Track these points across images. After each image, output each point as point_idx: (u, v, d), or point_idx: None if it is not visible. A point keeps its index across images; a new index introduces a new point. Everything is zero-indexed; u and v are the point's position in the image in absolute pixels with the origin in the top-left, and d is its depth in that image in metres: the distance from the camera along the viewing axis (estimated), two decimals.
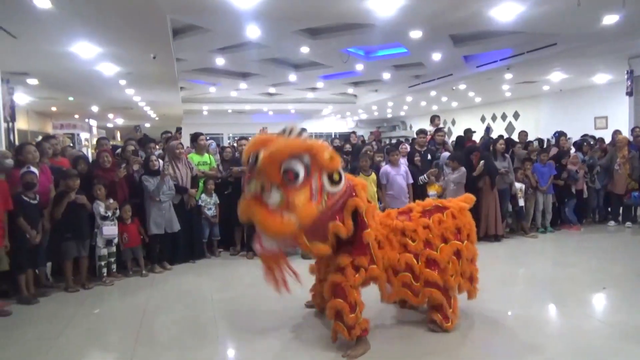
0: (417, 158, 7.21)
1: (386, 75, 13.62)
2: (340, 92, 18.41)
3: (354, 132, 10.20)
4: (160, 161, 5.84)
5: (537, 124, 16.23)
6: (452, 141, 9.15)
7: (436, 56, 10.84)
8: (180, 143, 6.44)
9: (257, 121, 21.36)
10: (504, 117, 18.52)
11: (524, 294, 4.71)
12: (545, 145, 9.13)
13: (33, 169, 4.68)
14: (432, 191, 6.83)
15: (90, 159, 6.75)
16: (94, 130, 20.57)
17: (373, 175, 6.27)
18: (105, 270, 5.22)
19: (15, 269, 4.43)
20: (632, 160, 7.80)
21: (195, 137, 6.94)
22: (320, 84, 15.55)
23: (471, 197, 3.99)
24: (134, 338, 3.66)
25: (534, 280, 5.17)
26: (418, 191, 6.74)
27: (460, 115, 21.04)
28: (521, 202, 7.30)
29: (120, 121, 21.98)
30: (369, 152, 6.90)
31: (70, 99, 13.99)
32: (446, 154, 7.38)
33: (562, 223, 7.94)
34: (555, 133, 9.32)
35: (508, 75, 12.49)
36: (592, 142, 8.83)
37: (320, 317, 3.82)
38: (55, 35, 7.19)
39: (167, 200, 5.67)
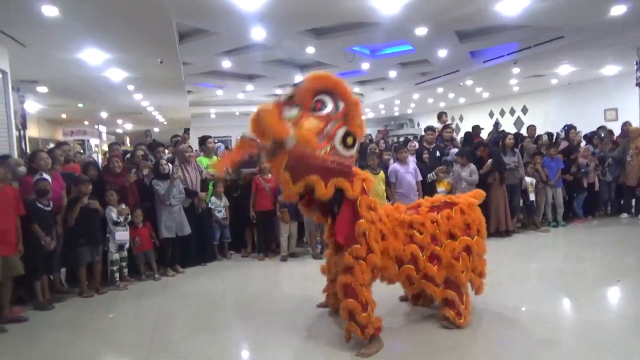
0: (425, 155, 7.19)
1: (392, 74, 13.56)
2: None
3: None
4: (170, 165, 5.88)
5: (546, 118, 16.08)
6: (461, 138, 9.10)
7: (442, 53, 10.78)
8: (190, 146, 6.48)
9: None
10: (512, 112, 18.37)
11: (537, 288, 4.68)
12: (554, 139, 9.06)
13: (46, 175, 4.74)
14: (440, 188, 6.82)
15: (100, 165, 6.81)
16: (104, 136, 20.75)
17: (381, 174, 6.26)
18: (117, 275, 5.27)
19: (30, 275, 4.48)
20: None
21: (203, 140, 6.98)
22: None
23: (480, 193, 3.99)
24: (149, 342, 3.69)
25: (546, 275, 5.14)
26: (427, 188, 6.73)
27: (468, 111, 20.91)
28: (532, 197, 7.27)
29: (129, 126, 22.14)
30: (375, 150, 6.89)
31: (80, 105, 14.13)
32: (455, 150, 7.36)
33: (574, 217, 7.87)
34: (564, 126, 9.25)
35: (515, 70, 12.39)
36: (602, 135, 8.73)
37: (334, 316, 3.83)
38: (63, 42, 7.27)
39: (177, 203, 5.71)
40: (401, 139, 12.77)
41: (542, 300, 4.23)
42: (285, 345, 3.50)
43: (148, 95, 13.23)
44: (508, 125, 17.22)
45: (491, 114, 19.31)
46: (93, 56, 8.07)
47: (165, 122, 20.66)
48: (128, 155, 6.77)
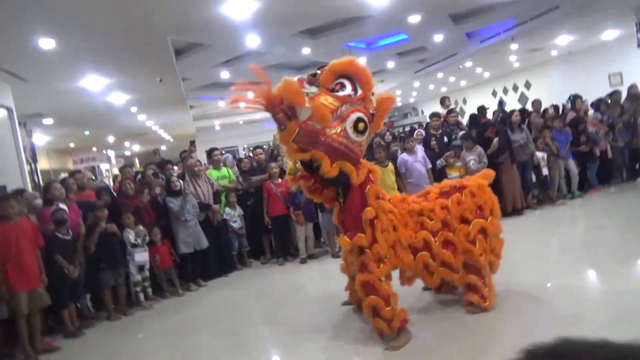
0: (433, 142, 7.14)
1: (390, 64, 13.51)
2: None
3: None
4: (181, 181, 5.92)
5: (550, 91, 15.89)
6: (467, 121, 9.05)
7: (438, 37, 10.72)
8: (198, 160, 6.54)
9: (269, 128, 21.41)
10: (515, 88, 18.21)
11: (560, 263, 4.64)
12: (561, 111, 8.96)
13: (62, 205, 4.81)
14: (453, 173, 6.71)
15: (111, 188, 6.89)
16: (113, 160, 20.95)
17: (390, 166, 6.25)
18: (142, 295, 5.32)
19: (57, 304, 4.54)
20: None
21: (210, 153, 7.03)
22: None
23: (490, 173, 3.90)
24: (181, 357, 3.72)
25: (568, 248, 5.09)
26: (437, 175, 6.69)
27: (471, 93, 20.75)
28: (545, 171, 7.19)
29: (137, 148, 22.35)
30: (381, 143, 6.87)
31: (86, 133, 14.31)
32: (462, 133, 7.32)
33: (590, 187, 7.78)
34: (570, 97, 9.13)
35: (514, 46, 12.28)
36: (609, 101, 8.61)
37: (359, 313, 3.82)
38: (63, 72, 7.38)
39: (192, 218, 5.76)
40: (407, 129, 12.74)
41: (566, 274, 4.19)
42: (314, 346, 3.51)
43: (152, 115, 13.35)
44: (512, 102, 17.06)
45: (494, 93, 19.16)
46: (94, 83, 8.18)
47: (171, 140, 20.84)
48: (139, 176, 6.84)
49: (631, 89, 8.25)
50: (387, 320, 3.15)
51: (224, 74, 11.20)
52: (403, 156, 6.53)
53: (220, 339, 4.04)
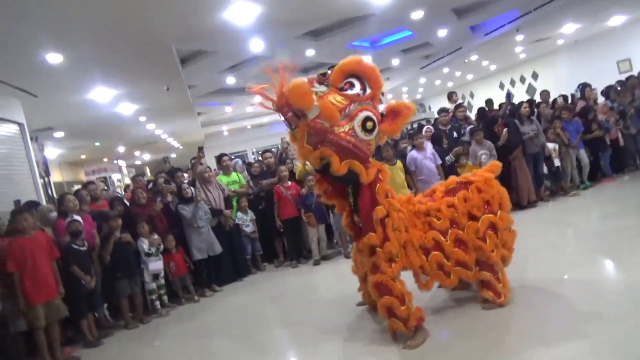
0: (444, 141, 7.07)
1: (395, 62, 13.49)
2: None
3: None
4: (192, 189, 5.96)
5: (558, 80, 15.74)
6: (475, 115, 8.99)
7: (442, 33, 10.69)
8: (208, 167, 6.58)
9: (277, 131, 21.48)
10: (522, 79, 18.06)
11: (576, 254, 4.57)
12: (570, 101, 8.86)
13: (76, 217, 4.87)
14: (467, 174, 6.62)
15: (123, 197, 6.95)
16: (124, 169, 21.14)
17: (399, 163, 6.22)
18: (158, 302, 5.36)
19: (75, 315, 4.60)
20: None
21: (219, 159, 7.07)
22: None
23: (497, 165, 3.83)
24: None
25: (584, 239, 5.03)
26: (447, 171, 6.63)
27: (478, 86, 20.63)
28: (557, 162, 7.11)
29: (147, 157, 22.53)
30: (389, 141, 6.84)
31: (97, 144, 14.47)
32: (470, 127, 7.27)
33: (603, 176, 7.69)
34: (579, 86, 9.03)
35: (519, 37, 12.19)
36: (619, 88, 8.50)
37: (373, 313, 3.82)
38: (72, 86, 7.47)
39: (205, 224, 5.79)
40: (415, 125, 12.69)
41: (582, 265, 4.13)
42: (330, 348, 3.50)
43: (160, 124, 13.46)
44: (520, 94, 16.93)
45: (501, 86, 19.02)
46: (102, 94, 8.27)
47: (181, 147, 20.97)
48: (150, 185, 6.89)
49: None
50: (403, 319, 3.13)
51: (230, 80, 11.26)
52: (412, 153, 6.50)
53: (237, 342, 4.06)
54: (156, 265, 5.31)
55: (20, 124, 7.33)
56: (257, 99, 3.26)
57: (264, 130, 23.61)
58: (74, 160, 17.12)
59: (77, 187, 8.92)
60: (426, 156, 6.43)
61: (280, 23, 7.42)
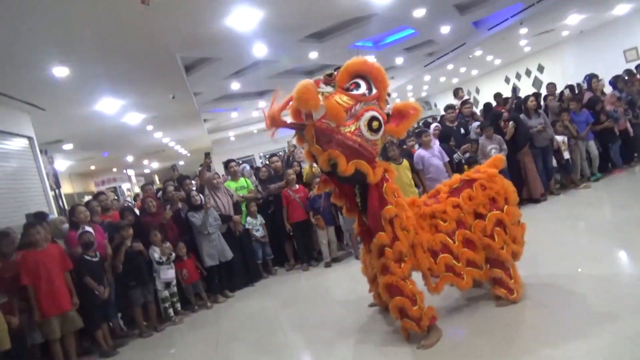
0: (452, 142, 7.02)
1: (399, 60, 13.47)
2: None
3: None
4: (201, 196, 5.98)
5: (564, 72, 15.62)
6: (480, 110, 8.94)
7: (445, 29, 10.65)
8: (216, 173, 6.60)
9: (284, 134, 21.52)
10: (528, 73, 17.94)
11: (590, 246, 4.52)
12: (577, 91, 8.78)
13: (88, 228, 4.91)
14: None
15: (133, 207, 6.99)
16: (133, 179, 21.31)
17: (405, 162, 6.20)
18: (171, 310, 5.38)
19: (90, 325, 4.63)
20: None
21: (226, 165, 7.09)
22: None
23: (499, 159, 3.80)
24: None
25: (596, 232, 4.97)
26: (454, 168, 6.59)
27: (483, 82, 20.53)
28: (566, 155, 7.05)
29: (155, 165, 22.70)
30: (394, 140, 6.81)
31: (106, 154, 14.59)
32: (475, 124, 7.23)
33: (614, 167, 7.60)
34: (586, 77, 8.95)
35: (523, 30, 12.12)
36: (626, 78, 8.41)
37: (384, 314, 3.80)
38: (79, 98, 7.55)
39: (215, 231, 5.81)
40: (421, 123, 12.64)
41: (596, 258, 4.08)
42: (344, 350, 3.50)
43: (167, 132, 13.56)
44: (526, 87, 16.82)
45: (507, 80, 18.91)
46: (109, 105, 8.34)
47: (188, 154, 21.10)
48: (159, 194, 6.93)
49: None
50: (415, 319, 3.12)
51: (235, 85, 11.32)
52: (419, 152, 6.46)
53: (251, 347, 4.06)
54: (167, 274, 5.33)
55: (29, 138, 7.41)
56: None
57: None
58: (83, 172, 17.29)
59: (87, 198, 9.00)
60: (434, 154, 6.40)
61: (282, 27, 7.44)
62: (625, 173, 7.34)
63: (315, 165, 3.68)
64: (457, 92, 8.88)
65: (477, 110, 9.35)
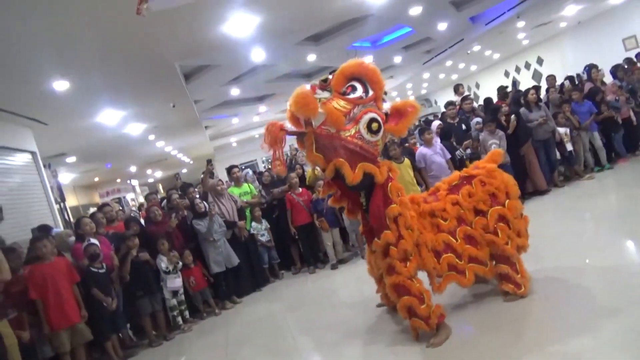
0: (453, 138, 7.00)
1: (397, 59, 13.47)
2: None
3: None
4: (205, 203, 5.99)
5: (564, 64, 15.57)
6: (479, 105, 8.91)
7: (442, 26, 10.64)
8: (220, 179, 6.61)
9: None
10: (527, 66, 17.89)
11: (597, 237, 4.51)
12: (577, 82, 8.74)
13: (93, 240, 4.92)
14: None
15: (138, 216, 7.01)
16: (137, 188, 21.37)
17: (407, 161, 6.17)
18: (180, 318, 5.39)
19: (99, 337, 4.64)
20: None
21: (229, 171, 7.10)
22: None
23: (497, 153, 3.79)
24: None
25: (603, 222, 4.95)
26: (457, 165, 6.57)
27: (483, 77, 20.49)
28: (569, 147, 7.01)
29: (159, 174, 22.75)
30: (395, 139, 6.80)
31: (109, 165, 14.64)
32: (476, 119, 7.21)
33: (617, 157, 7.56)
34: (585, 67, 8.91)
35: (520, 24, 12.10)
36: (626, 67, 8.37)
37: (392, 314, 3.80)
38: (80, 111, 7.58)
39: (220, 237, 5.82)
40: (422, 120, 12.62)
41: (603, 249, 4.06)
42: (353, 351, 3.50)
43: (169, 140, 13.59)
44: (526, 80, 16.78)
45: (506, 74, 18.87)
46: (110, 117, 8.37)
47: (191, 162, 21.15)
48: (164, 202, 6.94)
49: None
50: (424, 318, 3.12)
51: (234, 91, 11.34)
52: (421, 150, 6.45)
53: (261, 352, 4.07)
54: (174, 283, 5.34)
55: (32, 153, 7.45)
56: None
57: None
58: (88, 184, 17.35)
59: (92, 209, 9.03)
60: (435, 151, 6.37)
61: (279, 31, 7.46)
62: (629, 162, 7.30)
63: (317, 168, 3.68)
64: (457, 88, 8.86)
65: (477, 105, 9.32)
